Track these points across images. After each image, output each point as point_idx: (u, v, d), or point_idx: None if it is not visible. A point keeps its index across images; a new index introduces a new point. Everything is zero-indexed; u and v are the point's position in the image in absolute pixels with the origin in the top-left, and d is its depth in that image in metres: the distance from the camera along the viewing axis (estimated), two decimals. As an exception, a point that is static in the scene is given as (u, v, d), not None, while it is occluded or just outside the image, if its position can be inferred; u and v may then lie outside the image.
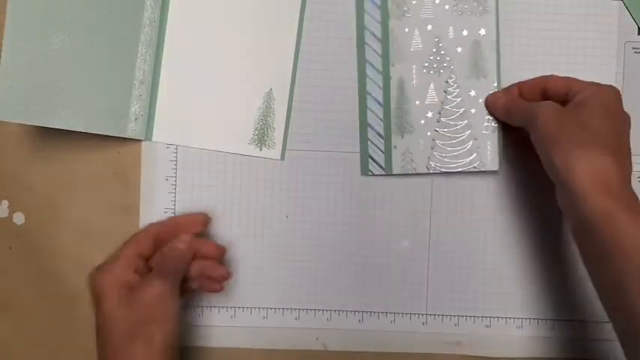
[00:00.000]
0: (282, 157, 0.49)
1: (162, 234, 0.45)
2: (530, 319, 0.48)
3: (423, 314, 0.49)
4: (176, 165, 0.48)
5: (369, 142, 0.48)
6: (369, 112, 0.48)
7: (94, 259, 0.48)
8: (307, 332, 0.49)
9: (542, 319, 0.48)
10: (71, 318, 0.49)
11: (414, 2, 0.47)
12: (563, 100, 0.42)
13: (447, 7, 0.47)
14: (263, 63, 0.48)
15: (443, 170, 0.47)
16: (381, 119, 0.48)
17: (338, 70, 0.48)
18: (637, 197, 0.38)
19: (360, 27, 0.48)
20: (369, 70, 0.48)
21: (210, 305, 0.49)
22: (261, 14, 0.48)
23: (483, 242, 0.49)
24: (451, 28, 0.47)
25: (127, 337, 0.40)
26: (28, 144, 0.48)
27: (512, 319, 0.49)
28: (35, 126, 0.47)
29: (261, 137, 0.48)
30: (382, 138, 0.48)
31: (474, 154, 0.47)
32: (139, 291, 0.41)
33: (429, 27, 0.47)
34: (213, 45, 0.48)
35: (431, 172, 0.47)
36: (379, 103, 0.48)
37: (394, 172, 0.48)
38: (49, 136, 0.48)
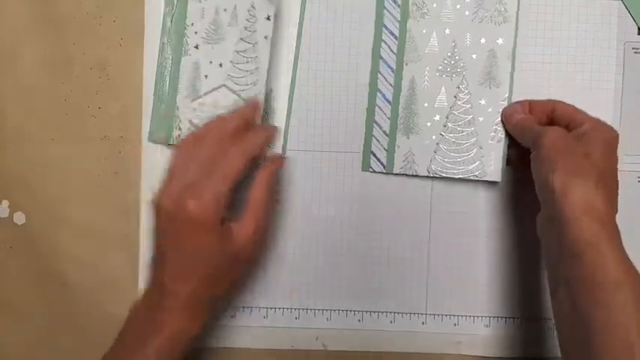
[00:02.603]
0: (283, 157, 0.49)
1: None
2: (529, 318, 0.49)
3: (422, 314, 0.49)
4: (177, 165, 0.48)
5: (373, 139, 0.48)
6: (377, 109, 0.48)
7: (94, 259, 0.48)
8: (307, 332, 0.49)
9: (541, 319, 0.49)
10: (71, 318, 0.49)
11: (434, 5, 0.47)
12: (566, 127, 0.43)
13: (467, 12, 0.47)
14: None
15: (443, 175, 0.47)
16: (388, 117, 0.48)
17: (339, 71, 0.48)
18: (619, 233, 0.38)
19: (379, 24, 0.47)
20: (382, 68, 0.48)
21: (211, 305, 0.49)
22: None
23: (483, 242, 0.49)
24: (469, 34, 0.47)
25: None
26: (29, 144, 0.48)
27: (511, 319, 0.49)
28: (35, 126, 0.47)
29: (262, 137, 0.48)
30: (387, 136, 0.48)
31: (477, 162, 0.47)
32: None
33: (447, 31, 0.47)
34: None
35: (431, 175, 0.47)
36: (388, 101, 0.48)
37: (395, 171, 0.48)
38: (49, 136, 0.48)
